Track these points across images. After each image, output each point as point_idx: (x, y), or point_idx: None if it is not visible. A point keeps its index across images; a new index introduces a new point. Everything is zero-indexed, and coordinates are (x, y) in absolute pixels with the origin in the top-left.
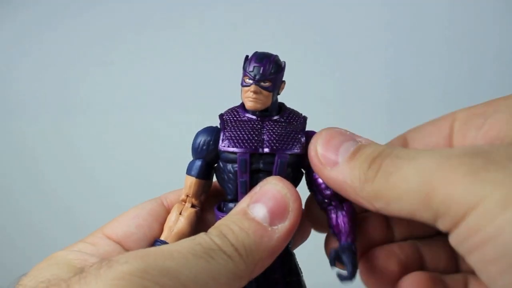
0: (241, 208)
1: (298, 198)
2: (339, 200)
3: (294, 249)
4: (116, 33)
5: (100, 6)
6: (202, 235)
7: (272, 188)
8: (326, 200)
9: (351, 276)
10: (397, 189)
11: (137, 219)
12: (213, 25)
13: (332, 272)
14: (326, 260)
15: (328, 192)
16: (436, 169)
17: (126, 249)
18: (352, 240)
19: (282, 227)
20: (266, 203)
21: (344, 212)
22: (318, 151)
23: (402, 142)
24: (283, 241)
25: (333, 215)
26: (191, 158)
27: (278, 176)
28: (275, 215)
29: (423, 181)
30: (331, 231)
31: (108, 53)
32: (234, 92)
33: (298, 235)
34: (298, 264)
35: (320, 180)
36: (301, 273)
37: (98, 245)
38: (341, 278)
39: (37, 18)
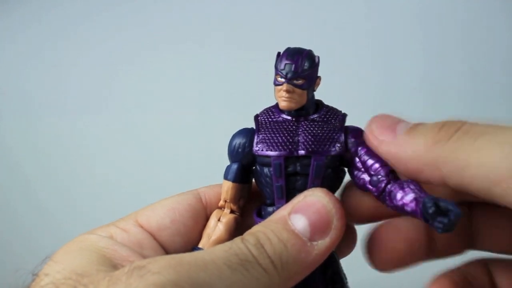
0: (282, 215)
1: (343, 217)
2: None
3: (340, 258)
4: (123, 33)
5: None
6: (238, 243)
7: (317, 201)
8: (382, 178)
9: (455, 220)
10: (485, 155)
11: (173, 213)
12: (234, 21)
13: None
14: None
15: (382, 169)
16: None
17: (158, 242)
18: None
19: (322, 244)
20: (308, 215)
21: (408, 180)
22: (373, 130)
23: None
24: (321, 258)
25: (399, 188)
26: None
27: (325, 189)
28: (317, 231)
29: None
30: (402, 207)
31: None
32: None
33: (342, 244)
34: (342, 270)
35: (369, 162)
36: (346, 279)
37: (130, 233)
38: (444, 226)
39: (35, 18)
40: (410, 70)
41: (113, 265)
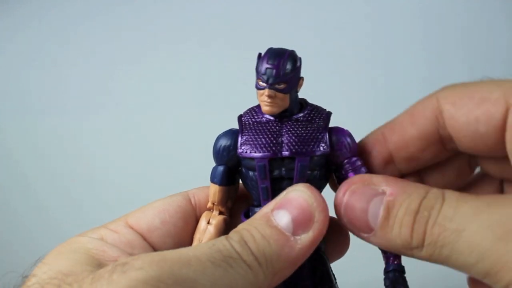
0: (265, 212)
1: (325, 209)
2: None
3: (331, 262)
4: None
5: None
6: (222, 240)
7: (298, 195)
8: None
9: None
10: (453, 261)
11: (163, 214)
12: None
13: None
14: (355, 260)
15: None
16: (492, 250)
17: (149, 243)
18: (400, 260)
19: (305, 238)
20: (290, 211)
21: None
22: (347, 221)
23: (380, 137)
24: (305, 252)
25: None
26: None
27: (307, 184)
28: (299, 225)
29: (481, 260)
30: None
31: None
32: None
33: (334, 248)
34: (331, 271)
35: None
36: (335, 280)
37: (120, 233)
38: None
39: (35, 18)
40: (411, 70)
41: (101, 265)
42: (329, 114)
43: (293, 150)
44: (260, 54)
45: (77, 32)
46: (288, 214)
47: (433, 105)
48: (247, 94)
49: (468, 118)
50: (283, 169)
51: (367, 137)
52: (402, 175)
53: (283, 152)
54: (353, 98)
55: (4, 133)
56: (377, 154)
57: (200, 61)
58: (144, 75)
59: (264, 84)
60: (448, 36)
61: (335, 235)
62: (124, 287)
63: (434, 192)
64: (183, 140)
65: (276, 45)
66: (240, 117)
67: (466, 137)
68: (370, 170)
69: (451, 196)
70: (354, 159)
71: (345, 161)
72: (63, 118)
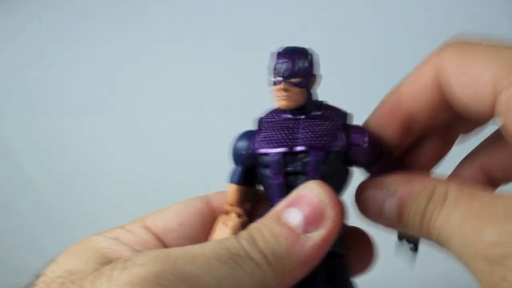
0: (276, 211)
1: (337, 205)
2: None
3: (353, 276)
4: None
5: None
6: (231, 238)
7: (310, 193)
8: None
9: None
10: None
11: (180, 216)
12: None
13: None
14: None
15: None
16: (469, 267)
17: (164, 244)
18: None
19: (316, 235)
20: (302, 208)
21: None
22: (367, 220)
23: (389, 112)
24: (317, 250)
25: None
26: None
27: (319, 181)
28: (310, 222)
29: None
30: None
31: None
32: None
33: (357, 258)
34: (351, 278)
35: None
36: None
37: (135, 233)
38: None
39: (35, 18)
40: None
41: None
42: (346, 113)
43: (308, 144)
44: (275, 52)
45: (77, 32)
46: (299, 211)
47: (432, 74)
48: (250, 93)
49: (460, 96)
50: (298, 163)
51: (376, 111)
52: (423, 137)
53: (298, 147)
54: (354, 96)
55: (4, 133)
56: (391, 129)
57: (201, 61)
58: (145, 75)
59: (280, 78)
60: (449, 36)
61: (359, 246)
62: (124, 283)
63: (439, 191)
64: (185, 139)
65: (278, 45)
66: (258, 118)
67: (463, 111)
68: (389, 142)
69: (451, 195)
70: (371, 166)
71: (364, 167)
72: (64, 118)
